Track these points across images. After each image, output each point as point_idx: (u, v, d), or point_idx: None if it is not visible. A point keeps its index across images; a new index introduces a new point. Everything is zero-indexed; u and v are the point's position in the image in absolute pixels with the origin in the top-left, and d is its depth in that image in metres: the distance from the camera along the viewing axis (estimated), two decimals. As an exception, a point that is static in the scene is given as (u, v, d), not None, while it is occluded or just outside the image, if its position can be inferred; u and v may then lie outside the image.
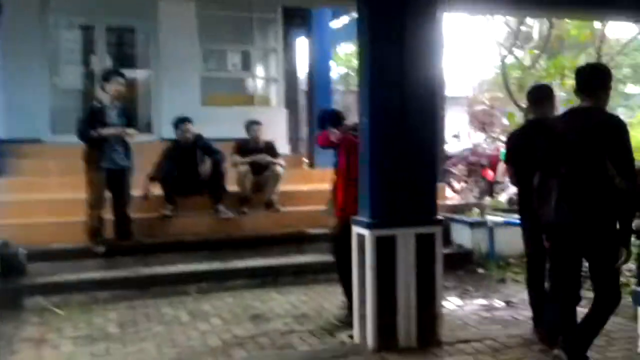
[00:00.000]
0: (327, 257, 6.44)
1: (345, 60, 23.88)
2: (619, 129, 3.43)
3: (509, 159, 4.68)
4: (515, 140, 4.62)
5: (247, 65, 10.85)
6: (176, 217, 6.67)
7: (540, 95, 4.45)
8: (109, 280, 5.70)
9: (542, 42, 8.12)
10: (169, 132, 7.45)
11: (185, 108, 8.86)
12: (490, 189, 8.70)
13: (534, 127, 4.31)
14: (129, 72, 11.11)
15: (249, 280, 6.04)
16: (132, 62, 10.83)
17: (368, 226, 4.17)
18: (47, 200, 6.75)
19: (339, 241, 4.73)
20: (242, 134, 9.13)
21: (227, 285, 5.95)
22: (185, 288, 5.79)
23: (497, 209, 8.26)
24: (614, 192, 3.37)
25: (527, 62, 8.37)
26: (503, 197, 9.14)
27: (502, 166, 9.62)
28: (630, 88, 19.20)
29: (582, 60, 8.98)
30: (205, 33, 10.00)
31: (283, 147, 10.01)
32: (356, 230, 4.34)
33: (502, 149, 9.70)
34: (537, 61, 8.07)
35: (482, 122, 8.45)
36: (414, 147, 4.25)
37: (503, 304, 5.39)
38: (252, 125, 7.30)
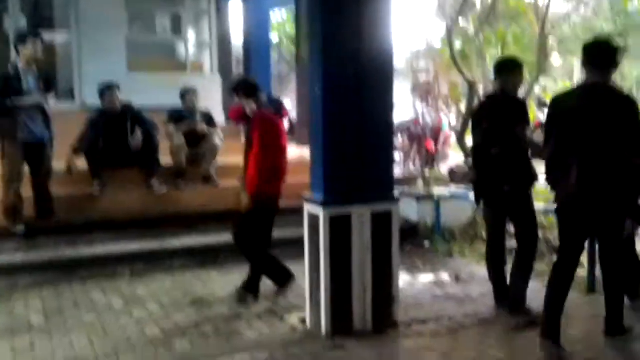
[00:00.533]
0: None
1: (278, 28, 23.27)
2: (634, 105, 3.47)
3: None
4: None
5: (177, 28, 10.18)
6: (104, 193, 6.12)
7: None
8: (31, 264, 5.16)
9: (485, 11, 8.01)
10: (93, 99, 6.82)
11: (110, 74, 8.21)
12: (432, 160, 8.61)
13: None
14: (47, 35, 10.30)
15: (188, 260, 5.65)
16: (50, 23, 9.96)
17: (322, 205, 3.88)
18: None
19: (246, 219, 4.56)
20: (173, 102, 8.61)
21: (164, 266, 5.53)
22: (118, 270, 5.33)
23: (439, 180, 8.20)
24: (631, 168, 3.45)
25: (470, 31, 8.25)
26: (443, 169, 9.10)
27: (443, 137, 9.58)
28: (555, 59, 19.74)
29: (521, 30, 8.96)
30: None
31: (219, 117, 9.55)
32: (308, 209, 4.04)
33: (444, 119, 9.65)
34: (480, 31, 7.97)
35: (424, 93, 8.27)
36: (370, 120, 3.98)
37: (453, 279, 5.28)
38: (188, 92, 6.77)
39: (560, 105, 3.66)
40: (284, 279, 4.73)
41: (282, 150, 4.74)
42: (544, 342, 3.58)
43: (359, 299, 3.94)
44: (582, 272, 4.45)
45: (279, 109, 6.72)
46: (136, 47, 9.57)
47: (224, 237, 5.98)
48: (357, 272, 3.94)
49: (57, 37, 10.14)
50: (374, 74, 3.97)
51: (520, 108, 4.21)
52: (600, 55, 3.55)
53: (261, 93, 4.82)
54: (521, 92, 5.26)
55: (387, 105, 4.09)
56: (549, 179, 3.70)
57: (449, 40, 7.28)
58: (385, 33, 4.00)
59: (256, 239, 4.69)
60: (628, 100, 3.54)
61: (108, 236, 5.77)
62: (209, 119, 6.91)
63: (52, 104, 5.54)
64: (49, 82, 5.57)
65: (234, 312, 4.43)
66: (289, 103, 19.00)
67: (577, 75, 23.49)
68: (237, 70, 16.48)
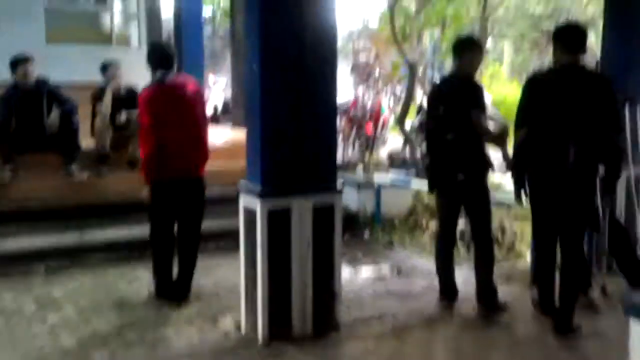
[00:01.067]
0: (209, 223, 5.77)
1: (212, 1, 22.40)
2: (609, 84, 3.62)
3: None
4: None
5: (102, -3, 9.43)
6: (16, 179, 5.51)
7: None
8: None
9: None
10: (8, 75, 6.14)
11: (26, 45, 7.52)
12: (372, 144, 8.38)
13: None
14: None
15: (110, 255, 5.19)
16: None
17: (259, 196, 3.53)
18: None
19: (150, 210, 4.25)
20: (96, 77, 7.98)
21: (83, 262, 5.04)
22: (31, 268, 4.81)
23: (378, 166, 8.00)
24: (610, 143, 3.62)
25: (411, 10, 8.01)
26: (382, 153, 8.91)
27: (382, 120, 9.37)
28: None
29: (463, 9, 8.81)
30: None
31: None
32: (244, 201, 3.69)
33: (384, 102, 9.43)
34: (422, 9, 7.75)
35: (363, 74, 8.00)
36: (312, 102, 3.66)
37: (394, 273, 5.08)
38: (109, 67, 6.18)
39: (540, 87, 3.71)
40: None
41: (173, 127, 4.16)
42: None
43: (299, 300, 3.64)
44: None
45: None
46: (56, 16, 8.81)
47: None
48: (296, 269, 3.63)
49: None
50: (316, 52, 3.64)
51: (477, 92, 4.00)
52: (573, 38, 3.66)
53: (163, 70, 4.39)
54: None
55: (330, 87, 3.76)
56: (520, 162, 3.75)
57: (391, 17, 7.00)
58: (328, 8, 3.67)
59: (154, 232, 4.40)
60: (604, 79, 3.75)
61: (21, 229, 5.20)
62: (133, 97, 6.35)
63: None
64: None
65: (161, 316, 4.04)
66: (223, 82, 18.42)
67: (507, 58, 24.00)
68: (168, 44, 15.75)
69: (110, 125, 5.98)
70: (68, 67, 8.31)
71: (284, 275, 3.60)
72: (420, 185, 5.92)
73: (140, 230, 5.47)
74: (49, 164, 5.83)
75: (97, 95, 6.08)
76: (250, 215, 3.63)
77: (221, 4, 25.01)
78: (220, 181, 6.49)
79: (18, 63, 5.55)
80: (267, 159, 3.58)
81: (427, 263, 5.13)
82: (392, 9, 7.00)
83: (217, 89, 17.58)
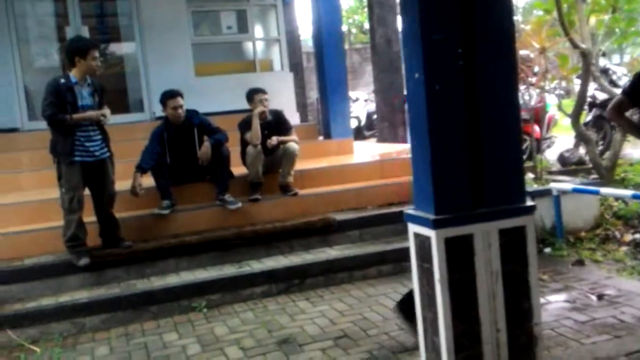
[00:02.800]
0: (361, 249, 5.37)
1: (345, 17, 22.40)
2: None
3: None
4: None
5: (243, 26, 9.54)
6: (174, 213, 5.49)
7: None
8: (97, 302, 4.57)
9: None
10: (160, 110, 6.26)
11: (177, 80, 7.82)
12: (538, 147, 7.46)
13: None
14: (112, 47, 9.97)
15: (270, 286, 4.92)
16: (114, 34, 9.62)
17: (434, 226, 2.99)
18: (19, 203, 5.60)
19: None
20: (242, 104, 8.00)
21: (243, 295, 4.84)
22: (193, 303, 4.69)
23: (548, 170, 7.08)
24: None
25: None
26: (551, 156, 7.93)
27: (547, 120, 8.39)
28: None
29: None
30: (192, -7, 8.74)
31: (292, 116, 8.88)
32: (414, 229, 3.17)
33: (547, 99, 8.43)
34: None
35: (522, 69, 7.15)
36: (489, 106, 3.05)
37: (594, 297, 4.24)
38: (254, 94, 6.01)
39: None
40: None
41: None
42: None
43: (491, 346, 3.03)
44: None
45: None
46: (202, 50, 9.06)
47: (309, 256, 5.27)
48: (485, 308, 3.03)
49: (122, 48, 9.80)
50: (490, 43, 3.04)
51: None
52: None
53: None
54: None
55: (509, 84, 3.13)
56: None
57: (557, 4, 6.14)
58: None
59: None
60: None
61: (180, 262, 5.15)
62: (282, 121, 6.15)
63: (109, 117, 4.93)
64: (103, 95, 4.97)
65: (331, 357, 3.63)
66: (365, 96, 18.16)
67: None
68: (308, 65, 15.85)
69: (262, 152, 5.80)
70: (216, 98, 8.48)
71: (470, 316, 3.01)
72: (614, 191, 5.02)
73: (297, 258, 5.22)
74: (204, 195, 5.78)
75: (245, 124, 5.93)
76: (423, 247, 3.09)
77: (355, 19, 25.03)
78: (374, 201, 6.07)
79: (167, 98, 5.56)
80: (440, 181, 3.03)
81: (635, 284, 4.24)
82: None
83: (359, 104, 17.37)
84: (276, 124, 6.07)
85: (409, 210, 3.23)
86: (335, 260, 5.17)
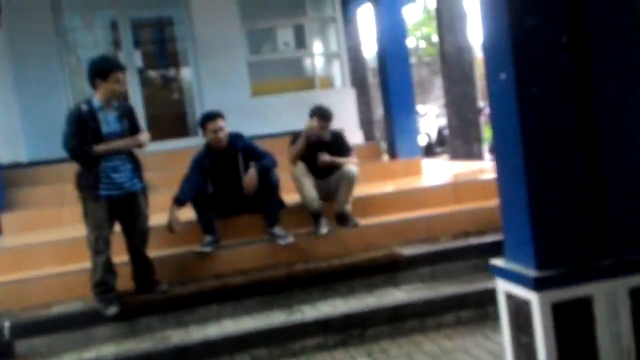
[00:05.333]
0: (434, 291, 4.51)
1: (412, 30, 21.57)
2: None
3: None
4: None
5: (301, 42, 8.95)
6: (217, 249, 4.84)
7: None
8: (127, 358, 3.95)
9: None
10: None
11: (232, 102, 7.37)
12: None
13: None
14: (169, 72, 9.68)
15: (325, 338, 4.15)
16: (171, 59, 9.32)
17: (536, 287, 2.14)
18: (52, 242, 5.13)
19: None
20: (302, 125, 7.39)
21: (293, 349, 4.09)
22: (234, 359, 3.98)
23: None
24: None
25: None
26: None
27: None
28: None
29: None
30: (247, 9, 8.23)
31: (354, 135, 8.18)
32: (506, 288, 2.32)
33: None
34: None
35: None
36: (614, 120, 2.20)
37: None
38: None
39: None
40: None
41: None
42: None
43: None
44: None
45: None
46: (258, 69, 8.54)
47: (372, 300, 4.47)
48: (612, 399, 2.14)
49: (180, 73, 9.48)
50: (607, 31, 2.20)
51: None
52: None
53: None
54: None
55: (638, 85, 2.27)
56: None
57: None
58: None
59: None
60: None
61: (223, 309, 4.47)
62: (340, 142, 5.40)
63: (146, 143, 4.36)
64: (133, 117, 4.41)
65: None
66: (435, 110, 17.21)
67: None
68: (374, 81, 15.12)
69: (307, 171, 5.05)
70: (274, 118, 7.91)
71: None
72: None
73: (358, 303, 4.43)
74: (252, 229, 5.09)
75: (293, 141, 5.25)
76: (520, 314, 2.25)
77: (423, 32, 24.14)
78: (448, 231, 5.21)
79: (206, 121, 4.94)
80: (543, 222, 2.19)
81: None
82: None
83: (429, 119, 16.44)
84: (335, 145, 5.33)
85: (497, 262, 2.39)
86: (402, 306, 4.33)
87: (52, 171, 6.81)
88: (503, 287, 2.34)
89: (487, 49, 2.37)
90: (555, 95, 2.19)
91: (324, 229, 4.95)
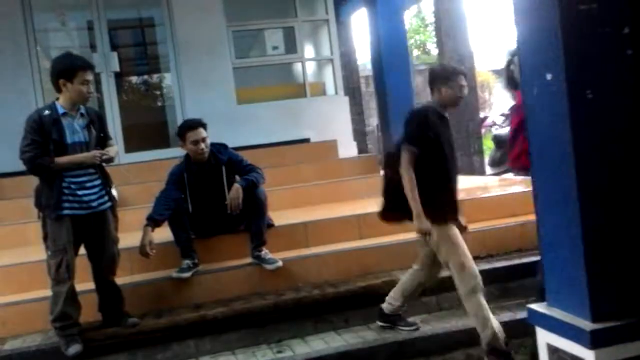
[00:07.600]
0: (441, 323, 4.00)
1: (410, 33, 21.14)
2: None
3: None
4: None
5: (291, 46, 8.46)
6: (196, 275, 4.31)
7: None
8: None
9: None
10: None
11: (216, 110, 6.88)
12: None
13: None
14: (148, 77, 9.16)
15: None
16: (151, 63, 8.79)
17: (592, 340, 1.65)
18: (10, 265, 4.55)
19: None
20: (296, 135, 6.93)
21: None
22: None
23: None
24: None
25: None
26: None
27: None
28: None
29: None
30: (233, 10, 7.74)
31: (349, 147, 7.74)
32: (550, 340, 1.83)
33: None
34: None
35: None
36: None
37: None
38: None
39: None
40: None
41: None
42: None
43: None
44: None
45: None
46: (245, 75, 8.03)
47: (371, 335, 3.94)
48: None
49: (160, 78, 8.98)
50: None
51: None
52: None
53: None
54: None
55: None
56: None
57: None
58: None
59: None
60: None
61: (202, 345, 3.92)
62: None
63: (114, 156, 3.84)
64: (103, 125, 3.89)
65: None
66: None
67: None
68: (367, 90, 14.69)
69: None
70: (261, 128, 7.42)
71: None
72: None
73: (356, 338, 3.90)
74: (236, 251, 4.56)
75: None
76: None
77: (417, 40, 23.76)
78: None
79: (186, 130, 4.41)
80: (602, 264, 1.70)
81: None
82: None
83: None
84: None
85: (538, 307, 1.90)
86: (405, 342, 3.82)
87: (16, 184, 6.24)
88: (545, 339, 1.85)
89: (525, 45, 1.89)
90: (616, 100, 1.71)
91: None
